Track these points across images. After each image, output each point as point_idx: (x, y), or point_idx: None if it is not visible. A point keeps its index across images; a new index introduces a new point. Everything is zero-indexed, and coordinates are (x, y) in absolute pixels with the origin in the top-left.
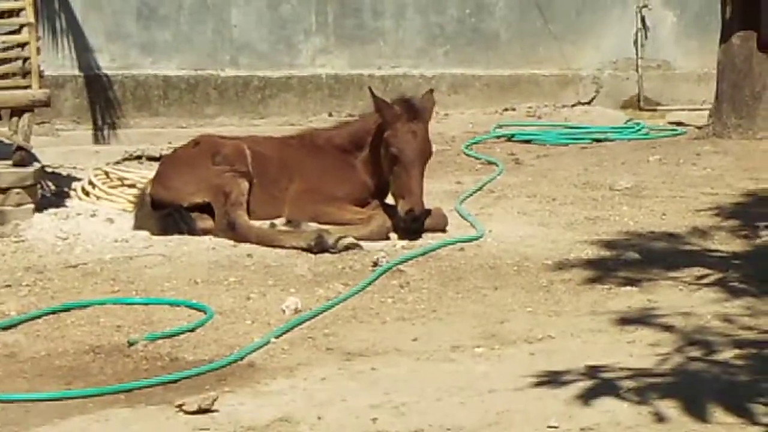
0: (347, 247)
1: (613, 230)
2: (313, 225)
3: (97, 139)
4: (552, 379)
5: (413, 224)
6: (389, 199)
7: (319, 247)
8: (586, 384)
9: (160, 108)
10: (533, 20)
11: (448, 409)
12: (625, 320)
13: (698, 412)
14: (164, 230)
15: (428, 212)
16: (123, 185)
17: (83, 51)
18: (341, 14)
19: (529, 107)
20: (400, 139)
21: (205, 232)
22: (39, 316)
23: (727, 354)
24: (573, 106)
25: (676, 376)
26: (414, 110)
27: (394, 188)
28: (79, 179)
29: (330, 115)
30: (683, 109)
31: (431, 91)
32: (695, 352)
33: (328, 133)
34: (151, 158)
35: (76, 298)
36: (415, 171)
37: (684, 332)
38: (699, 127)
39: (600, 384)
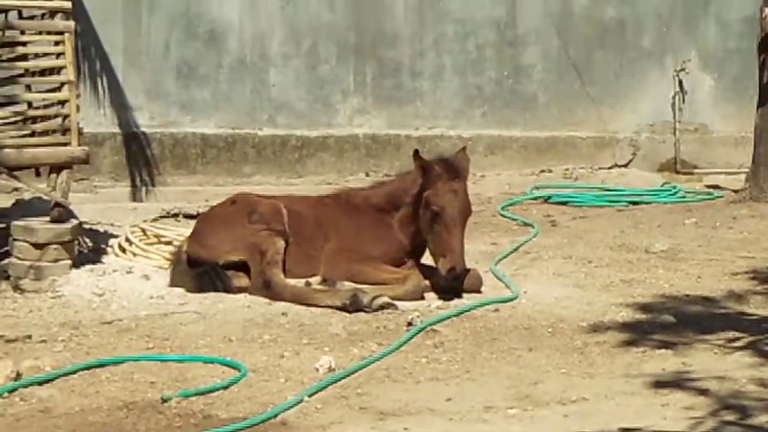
0: (382, 307)
1: (648, 293)
2: (348, 284)
3: (135, 197)
4: None
5: (454, 282)
6: (425, 259)
7: (354, 306)
8: None
9: (198, 166)
10: (571, 83)
11: None
12: (660, 383)
13: None
14: (200, 288)
15: (468, 271)
16: (159, 242)
17: (123, 109)
18: (379, 75)
19: (566, 169)
20: (441, 198)
21: (241, 290)
22: (74, 372)
23: (763, 419)
24: (610, 168)
25: None
26: (454, 169)
27: (434, 247)
28: (116, 236)
29: (367, 174)
30: (720, 173)
31: (464, 148)
32: (730, 416)
33: (364, 193)
34: (187, 216)
35: (111, 354)
36: (456, 230)
37: (718, 396)
38: (736, 191)
39: None
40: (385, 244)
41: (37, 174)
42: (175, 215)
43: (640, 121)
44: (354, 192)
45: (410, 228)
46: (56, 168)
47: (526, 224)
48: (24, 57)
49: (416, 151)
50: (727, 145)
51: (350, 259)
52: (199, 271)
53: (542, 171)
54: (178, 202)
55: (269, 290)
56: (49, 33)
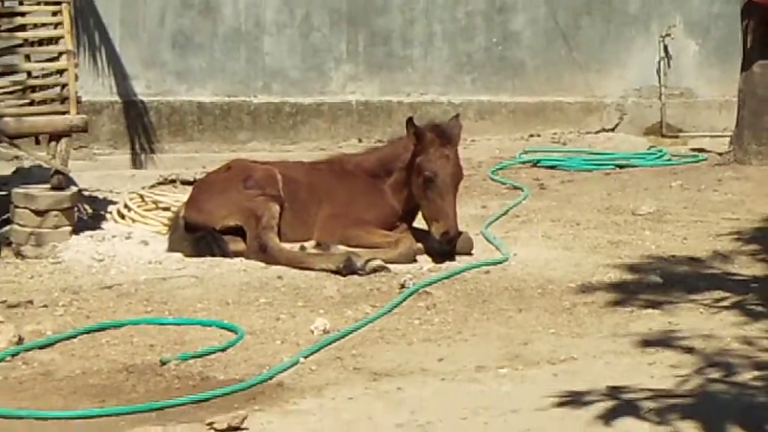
0: (375, 270)
1: (635, 254)
2: (342, 248)
3: (133, 164)
4: (574, 400)
5: (448, 246)
6: (417, 223)
7: (347, 269)
8: (607, 405)
9: (195, 133)
10: (558, 49)
11: (472, 429)
12: (647, 342)
13: None
14: (197, 252)
15: (460, 234)
16: (157, 208)
17: (120, 78)
18: (371, 43)
19: (554, 134)
20: (434, 164)
21: (237, 254)
22: (74, 336)
23: (747, 376)
24: (597, 132)
25: (695, 398)
26: (446, 135)
27: (427, 212)
28: (114, 202)
29: (359, 140)
30: (705, 136)
31: (457, 116)
32: (715, 374)
33: (357, 159)
34: (185, 182)
35: (111, 318)
36: (448, 194)
37: (704, 354)
38: (720, 154)
39: (621, 405)
40: (378, 208)
41: (37, 142)
42: (173, 182)
43: (627, 86)
44: (347, 158)
45: (402, 193)
46: (55, 136)
47: (515, 188)
48: (23, 27)
49: (410, 119)
50: (712, 108)
51: (344, 223)
52: (196, 236)
53: (531, 136)
54: (175, 168)
55: (265, 254)
56: (47, 3)
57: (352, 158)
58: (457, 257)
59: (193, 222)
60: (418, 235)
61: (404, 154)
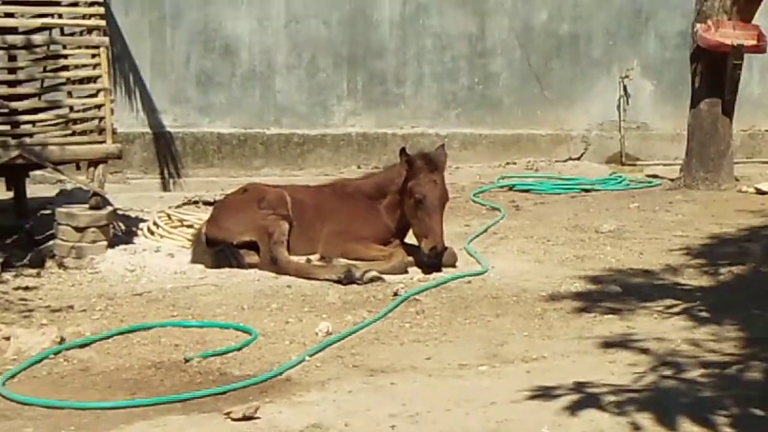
0: (372, 280)
1: (598, 267)
2: (343, 261)
3: (162, 187)
4: (544, 393)
5: (435, 259)
6: (408, 239)
7: (347, 279)
8: (573, 398)
9: (215, 160)
10: (532, 88)
11: (455, 419)
12: (608, 344)
13: (669, 423)
14: (217, 264)
15: (445, 249)
16: (182, 226)
17: (150, 112)
18: (369, 82)
19: (528, 162)
20: (423, 187)
21: (252, 266)
22: (109, 336)
23: (694, 373)
24: (565, 161)
25: (650, 392)
26: (433, 163)
27: (417, 229)
28: (145, 220)
29: (359, 167)
30: (659, 164)
31: (443, 145)
32: (667, 371)
33: (356, 183)
34: (206, 203)
35: (141, 321)
36: (436, 214)
37: (657, 354)
38: (672, 180)
39: (585, 398)
40: (374, 226)
41: (78, 168)
42: (196, 202)
43: (591, 120)
44: (347, 182)
45: (395, 213)
46: (94, 163)
47: (494, 209)
48: (66, 68)
49: (403, 149)
50: (665, 140)
51: (344, 239)
52: (216, 250)
53: (507, 163)
54: (198, 191)
55: (276, 266)
56: (87, 47)
57: (352, 182)
58: (443, 269)
59: (213, 237)
60: (409, 249)
61: (397, 179)
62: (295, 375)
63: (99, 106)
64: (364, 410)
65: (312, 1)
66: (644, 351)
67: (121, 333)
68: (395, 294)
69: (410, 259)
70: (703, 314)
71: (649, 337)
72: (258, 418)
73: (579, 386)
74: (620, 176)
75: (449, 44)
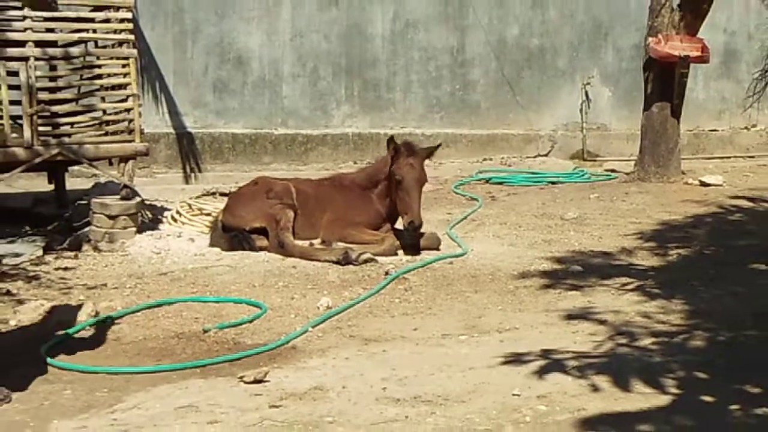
0: (366, 261)
1: (562, 249)
2: (341, 244)
3: (184, 180)
4: (516, 359)
5: (414, 232)
6: (398, 225)
7: (345, 261)
8: (541, 363)
9: (230, 157)
10: (505, 94)
11: (439, 381)
12: (571, 316)
13: (623, 385)
14: (231, 248)
15: (422, 234)
16: (202, 214)
17: (173, 115)
18: (363, 89)
19: (502, 158)
20: (402, 170)
21: (262, 249)
22: (138, 311)
23: (646, 341)
24: (534, 157)
25: (607, 358)
26: (411, 149)
27: (400, 207)
28: (169, 209)
29: (354, 163)
30: (616, 160)
31: (439, 145)
32: (622, 340)
33: (351, 176)
34: (222, 194)
35: (166, 297)
36: (414, 193)
37: (614, 325)
38: (627, 174)
39: (551, 363)
40: (368, 213)
41: (110, 164)
42: (213, 194)
43: (557, 122)
44: (344, 175)
45: (385, 200)
46: (124, 159)
47: (472, 199)
48: (99, 76)
49: (391, 137)
50: (621, 139)
51: (342, 226)
52: (230, 235)
53: (484, 159)
54: (215, 183)
55: (283, 249)
56: (118, 58)
57: (348, 175)
58: (427, 251)
59: (228, 224)
60: (399, 234)
61: (385, 168)
62: (300, 344)
63: (128, 110)
64: (359, 374)
65: (314, 18)
66: (602, 322)
67: (149, 307)
68: (386, 273)
69: (399, 243)
70: (654, 290)
71: (607, 311)
72: (267, 381)
73: (546, 353)
74: (582, 171)
75: (434, 56)
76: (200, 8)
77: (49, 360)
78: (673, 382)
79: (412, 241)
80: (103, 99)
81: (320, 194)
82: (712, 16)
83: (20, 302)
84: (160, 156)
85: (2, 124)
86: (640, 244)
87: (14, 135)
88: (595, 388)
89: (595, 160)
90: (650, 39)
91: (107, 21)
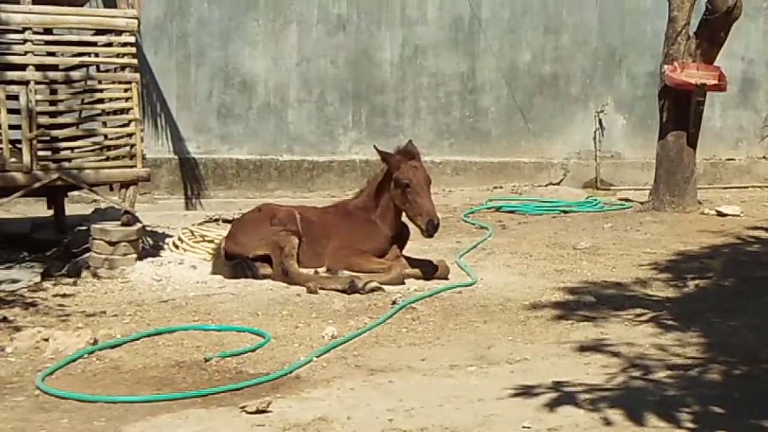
0: (373, 290)
1: (574, 279)
2: (347, 272)
3: (186, 206)
4: (526, 391)
5: (435, 231)
6: (406, 252)
7: (351, 289)
8: (552, 395)
9: (234, 183)
10: (517, 121)
11: (447, 413)
12: (583, 348)
13: (637, 419)
14: (234, 275)
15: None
16: (204, 241)
17: (176, 140)
18: (371, 115)
19: (513, 186)
20: (408, 174)
21: (265, 276)
22: (138, 338)
23: (660, 374)
24: (546, 185)
25: (621, 391)
26: (410, 153)
27: (411, 212)
28: (171, 236)
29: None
30: (630, 189)
31: (410, 141)
32: (636, 373)
33: (353, 201)
34: (225, 221)
35: (166, 325)
36: (424, 192)
37: (627, 357)
38: (642, 203)
39: (563, 395)
40: (373, 240)
41: (111, 189)
42: (216, 220)
43: (570, 150)
44: (347, 202)
45: (389, 218)
46: (125, 184)
47: (482, 227)
48: (101, 100)
49: (375, 147)
50: (635, 168)
51: (347, 254)
52: (233, 263)
53: (495, 187)
54: (218, 210)
55: (287, 277)
56: (120, 82)
57: (351, 202)
58: (436, 280)
59: (231, 251)
60: (409, 261)
61: (380, 178)
62: (304, 373)
63: (130, 135)
64: (364, 405)
65: (321, 43)
66: (616, 354)
67: (149, 335)
68: (394, 302)
69: (407, 271)
70: (669, 322)
71: (620, 342)
72: (270, 411)
73: (557, 385)
74: (595, 199)
75: (443, 82)
76: (205, 32)
77: (46, 388)
78: (688, 417)
79: (431, 236)
80: (104, 123)
81: (325, 222)
82: (730, 44)
83: (17, 329)
84: (162, 182)
85: (1, 148)
86: (655, 274)
87: (13, 159)
88: (608, 422)
89: (608, 189)
90: (666, 66)
91: (109, 45)
